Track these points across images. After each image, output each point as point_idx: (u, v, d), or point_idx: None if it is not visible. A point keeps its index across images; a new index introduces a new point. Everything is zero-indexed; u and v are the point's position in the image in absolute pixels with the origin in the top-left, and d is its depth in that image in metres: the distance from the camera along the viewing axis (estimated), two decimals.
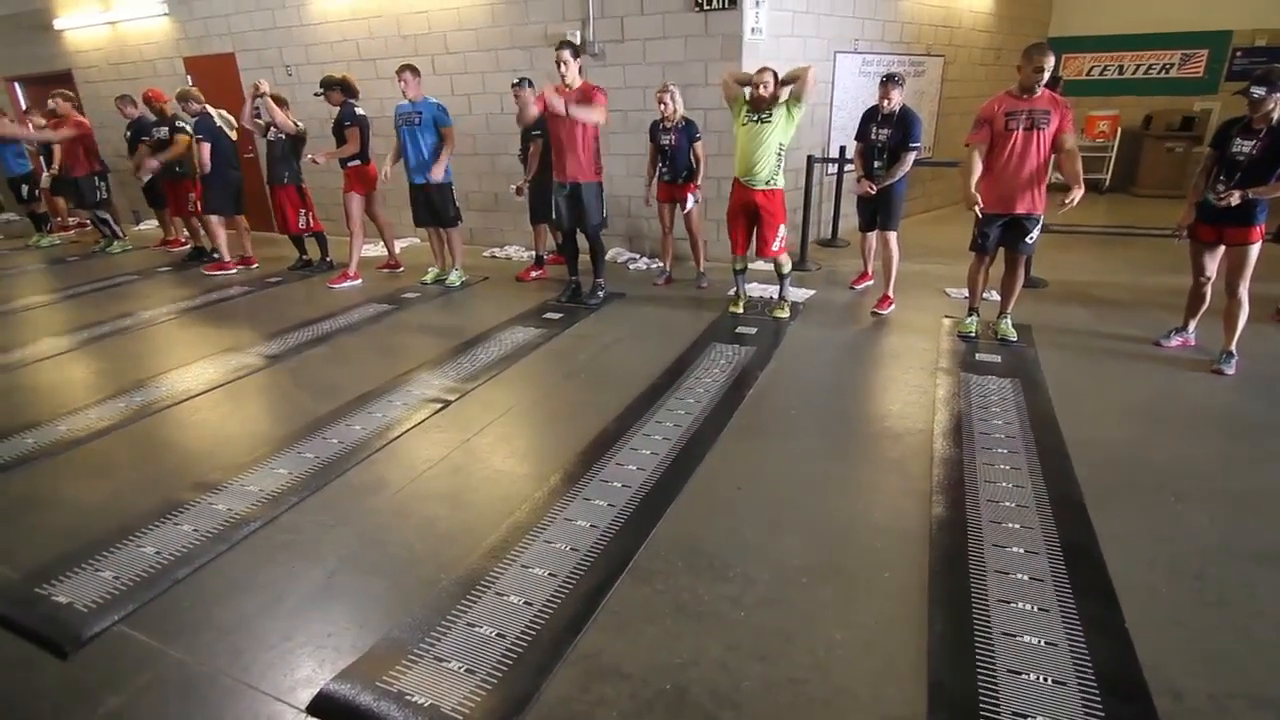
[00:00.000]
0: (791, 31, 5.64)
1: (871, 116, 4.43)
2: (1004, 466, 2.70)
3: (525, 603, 2.05)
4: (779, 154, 4.17)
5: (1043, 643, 1.85)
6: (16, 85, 9.64)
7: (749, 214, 4.34)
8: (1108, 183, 8.85)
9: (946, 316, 4.44)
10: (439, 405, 3.40)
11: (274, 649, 1.92)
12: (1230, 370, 3.46)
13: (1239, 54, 8.43)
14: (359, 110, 5.48)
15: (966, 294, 4.21)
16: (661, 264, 5.68)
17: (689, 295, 5.21)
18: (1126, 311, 4.12)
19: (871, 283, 5.06)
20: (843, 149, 6.16)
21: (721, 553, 2.26)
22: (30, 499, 2.71)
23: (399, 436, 3.10)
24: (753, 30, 5.25)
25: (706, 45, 5.37)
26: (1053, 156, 3.63)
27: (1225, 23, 8.36)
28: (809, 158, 5.71)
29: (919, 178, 7.80)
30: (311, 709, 1.72)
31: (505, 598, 2.07)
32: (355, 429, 3.15)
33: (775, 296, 4.69)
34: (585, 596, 2.07)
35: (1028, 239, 3.81)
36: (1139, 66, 9.00)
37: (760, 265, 5.82)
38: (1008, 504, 2.47)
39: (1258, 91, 3.17)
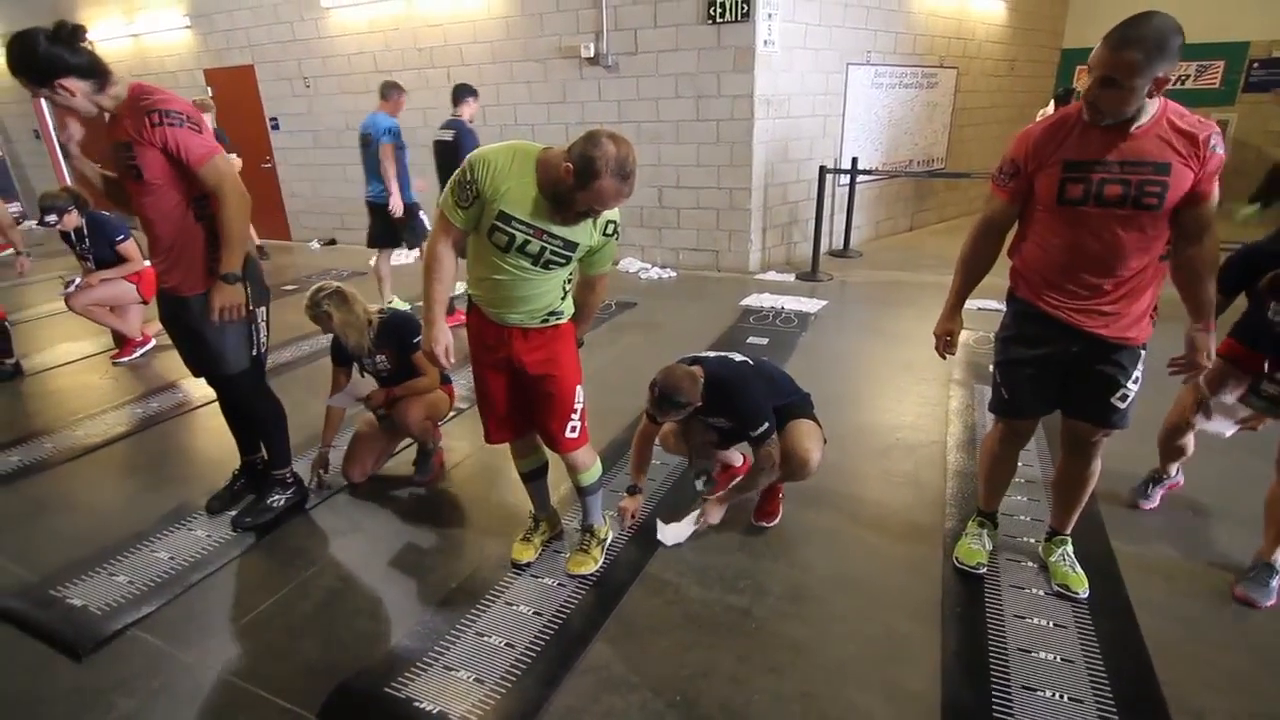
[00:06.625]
0: (804, 44, 5.66)
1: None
2: (1019, 480, 2.66)
3: (535, 612, 2.04)
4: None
5: (1059, 659, 1.83)
6: (43, 101, 9.81)
7: None
8: None
9: (964, 328, 4.39)
10: (452, 414, 3.40)
11: (286, 654, 1.93)
12: (1269, 601, 1.98)
13: (1256, 65, 8.36)
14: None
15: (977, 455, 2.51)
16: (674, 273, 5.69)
17: (702, 304, 5.21)
18: None
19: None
20: (855, 160, 6.17)
21: (733, 564, 2.25)
22: (47, 503, 2.75)
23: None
24: (765, 42, 5.28)
25: (719, 57, 5.40)
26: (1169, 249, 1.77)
27: (1242, 34, 8.30)
28: (821, 168, 5.71)
29: (931, 189, 7.79)
30: (322, 714, 1.72)
31: (515, 607, 2.07)
32: None
33: (783, 309, 4.66)
34: (595, 607, 2.07)
35: (1118, 397, 1.82)
36: None
37: (774, 276, 5.83)
38: (1023, 518, 2.45)
39: None
